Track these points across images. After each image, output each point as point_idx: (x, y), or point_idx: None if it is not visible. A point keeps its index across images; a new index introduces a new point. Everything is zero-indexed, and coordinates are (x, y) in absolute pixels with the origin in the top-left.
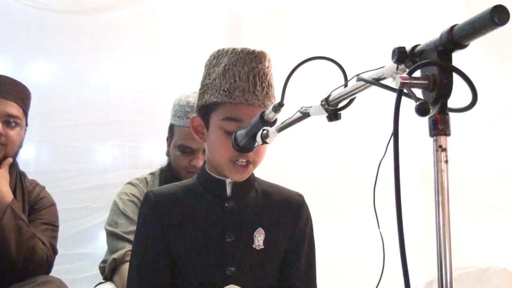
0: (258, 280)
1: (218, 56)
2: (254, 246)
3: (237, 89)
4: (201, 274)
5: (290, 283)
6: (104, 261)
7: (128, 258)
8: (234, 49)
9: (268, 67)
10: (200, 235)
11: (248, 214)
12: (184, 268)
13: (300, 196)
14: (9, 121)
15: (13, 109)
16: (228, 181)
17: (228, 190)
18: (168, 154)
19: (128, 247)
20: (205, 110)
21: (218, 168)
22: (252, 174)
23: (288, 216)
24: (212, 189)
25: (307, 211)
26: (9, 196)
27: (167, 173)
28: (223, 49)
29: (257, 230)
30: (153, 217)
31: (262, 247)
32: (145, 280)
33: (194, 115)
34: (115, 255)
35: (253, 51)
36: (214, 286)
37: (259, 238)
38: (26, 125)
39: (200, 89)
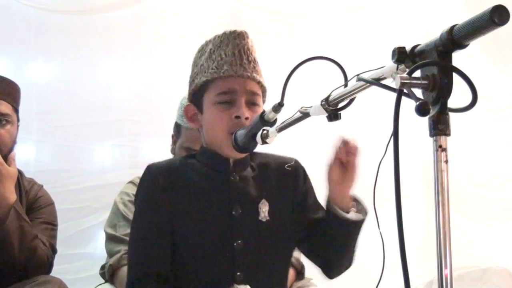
0: (264, 253)
1: (202, 48)
2: (260, 218)
3: (224, 64)
4: (209, 248)
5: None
6: (103, 267)
7: (124, 261)
8: (216, 35)
9: (252, 45)
10: (206, 209)
11: (251, 188)
12: (191, 242)
13: (295, 161)
14: None
15: (1, 106)
16: (231, 159)
17: (232, 166)
18: (173, 152)
19: (124, 250)
20: (197, 95)
21: (217, 147)
22: None
23: (287, 183)
24: (215, 166)
25: (303, 170)
26: (12, 196)
27: None
28: (205, 40)
29: (261, 203)
30: (157, 189)
31: (268, 218)
32: (145, 254)
33: (187, 104)
34: (111, 261)
35: (235, 31)
36: (222, 259)
37: (264, 210)
38: (18, 120)
39: (189, 81)
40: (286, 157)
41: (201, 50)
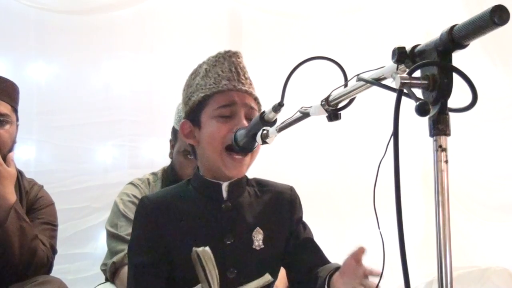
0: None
1: (195, 71)
2: (254, 246)
3: (222, 79)
4: None
5: (302, 260)
6: (105, 264)
7: (127, 261)
8: (210, 56)
9: (245, 65)
10: (198, 238)
11: (245, 215)
12: (185, 272)
13: (292, 189)
14: None
15: (0, 106)
16: (224, 184)
17: (224, 193)
18: (171, 156)
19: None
20: (194, 111)
21: (213, 164)
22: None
23: (283, 212)
24: (207, 193)
25: (299, 202)
26: (12, 197)
27: (170, 176)
28: (198, 64)
29: (255, 231)
30: (150, 223)
31: (262, 246)
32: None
33: (183, 120)
34: (115, 259)
35: (229, 50)
36: None
37: (258, 238)
38: (17, 120)
39: (184, 102)
40: (284, 185)
41: (194, 73)
